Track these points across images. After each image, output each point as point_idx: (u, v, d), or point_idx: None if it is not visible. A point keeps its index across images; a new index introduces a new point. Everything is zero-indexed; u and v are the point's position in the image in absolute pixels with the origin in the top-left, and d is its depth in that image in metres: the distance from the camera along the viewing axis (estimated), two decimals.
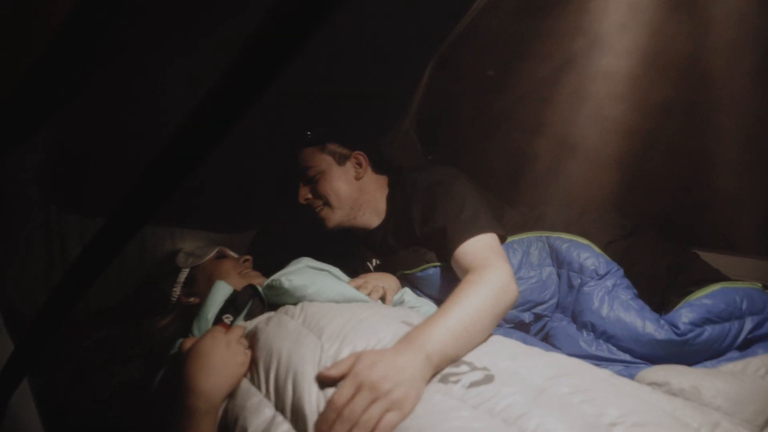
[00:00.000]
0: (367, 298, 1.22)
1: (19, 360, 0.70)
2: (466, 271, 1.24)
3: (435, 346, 0.96)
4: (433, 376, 0.94)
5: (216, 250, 1.47)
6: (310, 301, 1.15)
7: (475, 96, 1.87)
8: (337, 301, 1.16)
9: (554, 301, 1.43)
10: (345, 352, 0.95)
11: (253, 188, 1.83)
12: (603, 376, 0.99)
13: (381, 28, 1.51)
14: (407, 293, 1.38)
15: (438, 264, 1.43)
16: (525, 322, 1.44)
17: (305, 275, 1.19)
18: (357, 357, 0.91)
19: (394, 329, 1.03)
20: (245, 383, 0.97)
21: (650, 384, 1.12)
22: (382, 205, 1.64)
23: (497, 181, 2.02)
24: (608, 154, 1.63)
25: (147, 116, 1.28)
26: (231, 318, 1.15)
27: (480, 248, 1.30)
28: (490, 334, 1.12)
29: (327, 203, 1.60)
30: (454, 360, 0.99)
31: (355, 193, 1.61)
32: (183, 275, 1.40)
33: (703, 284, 1.32)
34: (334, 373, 0.89)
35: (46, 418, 0.92)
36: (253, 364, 0.99)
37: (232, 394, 0.96)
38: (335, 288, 1.18)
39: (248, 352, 1.01)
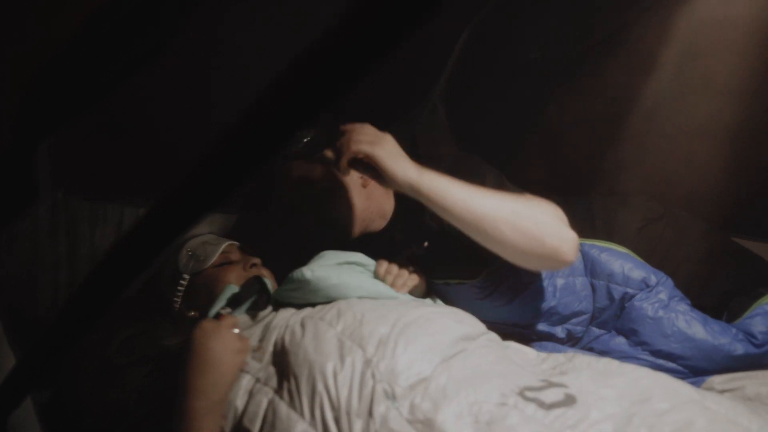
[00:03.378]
0: (396, 294, 1.11)
1: (22, 377, 0.57)
2: None
3: (432, 176, 0.99)
4: (409, 185, 1.00)
5: (219, 253, 1.29)
6: (337, 297, 1.04)
7: (515, 74, 1.72)
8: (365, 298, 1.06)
9: (589, 314, 1.28)
10: (400, 364, 0.85)
11: None
12: (694, 396, 0.89)
13: None
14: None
15: (467, 281, 1.24)
16: (558, 337, 1.30)
17: (328, 267, 1.08)
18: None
19: (445, 326, 0.95)
20: (284, 409, 0.84)
21: (722, 391, 1.08)
22: (389, 205, 1.36)
23: (529, 167, 1.89)
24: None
25: (167, 97, 1.16)
26: (230, 311, 1.05)
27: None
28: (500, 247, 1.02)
29: (336, 223, 1.32)
30: (430, 199, 0.99)
31: (364, 203, 1.31)
32: (184, 283, 1.27)
33: None
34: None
35: None
36: (294, 386, 0.86)
37: (272, 424, 0.83)
38: (361, 285, 1.06)
39: (245, 338, 0.96)
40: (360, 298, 1.05)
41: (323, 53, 0.30)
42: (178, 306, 1.26)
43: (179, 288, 1.26)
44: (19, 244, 1.09)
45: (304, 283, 1.05)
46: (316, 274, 1.04)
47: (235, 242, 1.37)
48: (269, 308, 1.14)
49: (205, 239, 1.36)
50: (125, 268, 0.40)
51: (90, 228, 1.27)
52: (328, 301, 1.04)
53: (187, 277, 1.27)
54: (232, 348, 0.91)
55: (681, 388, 0.91)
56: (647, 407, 0.81)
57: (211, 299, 1.12)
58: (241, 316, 1.11)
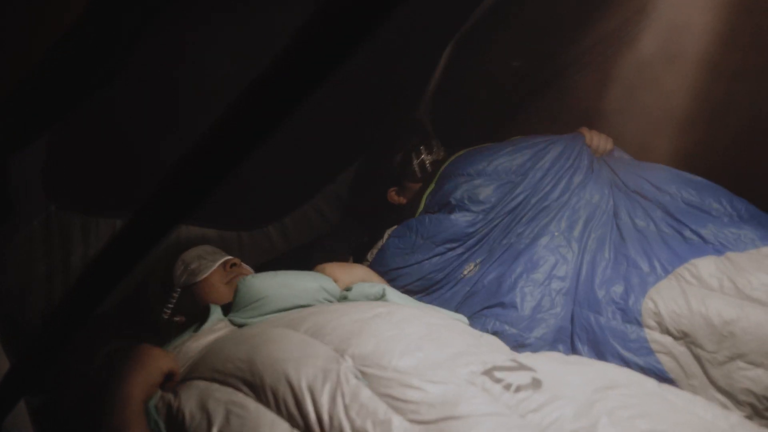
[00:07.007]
0: (327, 286, 1.20)
1: (16, 380, 0.62)
2: None
3: None
4: None
5: (212, 270, 1.32)
6: (277, 307, 1.11)
7: (496, 84, 1.78)
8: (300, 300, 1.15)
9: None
10: (367, 350, 0.88)
11: (264, 185, 1.74)
12: (656, 389, 0.93)
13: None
14: (389, 291, 1.27)
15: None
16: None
17: (263, 279, 1.17)
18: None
19: (410, 314, 1.00)
20: (253, 405, 0.85)
21: None
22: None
23: None
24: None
25: (154, 111, 1.21)
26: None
27: None
28: None
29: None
30: None
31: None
32: (176, 295, 1.32)
33: None
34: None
35: None
36: (259, 382, 0.88)
37: (240, 417, 0.85)
38: (291, 292, 1.15)
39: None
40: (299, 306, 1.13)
41: (290, 61, 0.31)
42: (167, 315, 1.31)
43: (171, 299, 1.31)
44: (14, 257, 1.13)
45: (245, 287, 1.14)
46: (250, 281, 1.15)
47: (231, 257, 1.39)
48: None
49: (200, 252, 1.39)
50: (108, 275, 0.45)
51: (83, 240, 1.32)
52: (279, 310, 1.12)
53: (179, 289, 1.32)
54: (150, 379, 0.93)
55: (645, 381, 0.95)
56: (609, 395, 0.84)
57: (195, 307, 1.18)
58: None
